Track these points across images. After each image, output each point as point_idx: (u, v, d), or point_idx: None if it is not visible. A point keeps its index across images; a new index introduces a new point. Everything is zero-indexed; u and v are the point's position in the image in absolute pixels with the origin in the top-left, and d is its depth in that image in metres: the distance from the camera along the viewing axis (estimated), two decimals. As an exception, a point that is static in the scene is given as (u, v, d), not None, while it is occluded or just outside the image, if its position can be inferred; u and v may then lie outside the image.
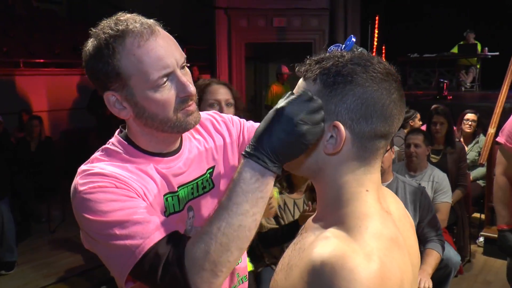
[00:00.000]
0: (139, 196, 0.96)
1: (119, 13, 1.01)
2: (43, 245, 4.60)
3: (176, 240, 0.91)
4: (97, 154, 1.05)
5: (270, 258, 2.64)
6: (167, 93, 0.97)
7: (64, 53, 8.27)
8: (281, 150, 0.79)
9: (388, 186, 2.56)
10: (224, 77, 10.11)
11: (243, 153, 0.84)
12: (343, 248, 0.70)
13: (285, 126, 0.78)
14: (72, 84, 7.62)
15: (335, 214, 0.79)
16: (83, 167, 1.00)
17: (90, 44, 0.99)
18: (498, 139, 2.40)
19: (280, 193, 2.57)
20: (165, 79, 0.96)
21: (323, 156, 0.79)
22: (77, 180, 0.96)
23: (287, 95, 0.81)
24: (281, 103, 0.80)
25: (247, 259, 1.28)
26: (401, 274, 0.72)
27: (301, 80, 0.83)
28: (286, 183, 2.60)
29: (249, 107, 10.64)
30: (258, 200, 0.85)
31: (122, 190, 0.94)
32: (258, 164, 0.81)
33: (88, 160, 1.04)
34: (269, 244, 2.61)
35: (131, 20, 0.97)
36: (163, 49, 0.96)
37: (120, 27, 0.96)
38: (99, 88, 1.01)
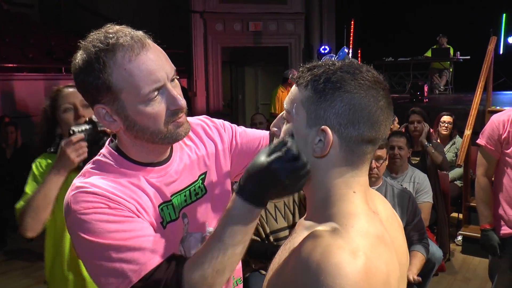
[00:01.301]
0: (132, 212, 0.97)
1: (108, 25, 1.00)
2: (20, 254, 4.47)
3: (173, 266, 0.94)
4: (88, 166, 1.05)
5: (256, 263, 2.64)
6: (158, 107, 0.98)
7: (38, 57, 8.10)
8: (268, 197, 0.88)
9: (378, 190, 2.61)
10: (201, 81, 10.09)
11: (235, 188, 0.91)
12: (329, 245, 0.72)
13: (272, 181, 0.84)
14: (47, 89, 7.45)
15: (323, 215, 0.82)
16: (76, 182, 1.00)
17: (79, 57, 0.98)
18: (478, 141, 2.47)
19: None
20: (156, 93, 0.97)
21: (313, 159, 0.82)
22: (70, 197, 0.97)
23: (275, 144, 0.85)
24: (270, 157, 0.84)
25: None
26: (387, 270, 0.74)
27: (294, 86, 0.86)
28: None
29: (225, 111, 10.64)
30: (249, 229, 0.92)
31: (116, 211, 0.95)
32: (247, 203, 0.88)
33: (81, 172, 1.04)
34: (255, 257, 2.61)
35: (120, 33, 0.96)
36: (154, 63, 0.96)
37: (110, 40, 0.95)
38: (89, 101, 1.01)
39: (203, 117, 1.28)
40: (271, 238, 2.55)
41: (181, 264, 0.94)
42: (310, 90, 0.81)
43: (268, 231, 2.56)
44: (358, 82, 0.79)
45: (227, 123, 1.31)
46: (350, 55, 9.87)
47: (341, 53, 0.98)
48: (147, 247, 0.93)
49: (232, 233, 0.91)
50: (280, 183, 0.83)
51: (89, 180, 0.99)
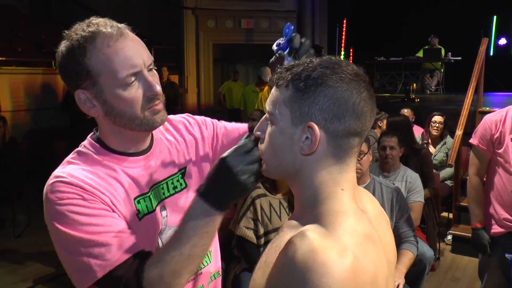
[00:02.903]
0: (106, 205, 1.00)
1: (92, 17, 1.05)
2: (7, 251, 4.40)
3: (135, 263, 0.96)
4: (70, 156, 1.08)
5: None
6: (135, 92, 1.02)
7: (27, 51, 7.99)
8: (223, 197, 0.93)
9: (366, 188, 2.60)
10: (192, 78, 10.05)
11: (197, 189, 0.96)
12: (316, 243, 0.72)
13: (225, 176, 0.90)
14: (36, 83, 7.37)
15: (311, 213, 0.81)
16: (56, 172, 1.03)
17: (63, 45, 1.03)
18: (471, 140, 2.48)
19: (264, 195, 2.56)
20: (133, 78, 1.01)
21: (300, 157, 0.82)
22: (48, 186, 1.00)
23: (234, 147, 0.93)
24: (225, 153, 0.92)
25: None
26: (375, 269, 0.74)
27: (274, 88, 0.85)
28: (270, 184, 2.59)
29: (216, 109, 10.62)
30: (205, 234, 0.96)
31: (89, 202, 0.98)
32: (206, 204, 0.94)
33: (63, 162, 1.07)
34: (247, 260, 2.59)
35: (102, 23, 1.02)
36: (132, 50, 1.01)
37: (91, 29, 1.01)
38: (71, 87, 1.05)
39: (185, 114, 1.31)
40: (272, 236, 2.52)
41: (144, 262, 0.97)
42: (291, 89, 0.81)
43: (270, 228, 2.53)
44: (339, 76, 0.79)
45: (208, 119, 1.33)
46: (342, 53, 9.88)
47: (287, 30, 0.98)
48: (114, 244, 0.96)
49: (190, 234, 0.95)
50: (234, 179, 0.89)
51: (67, 170, 1.02)
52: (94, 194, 0.99)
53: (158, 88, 1.04)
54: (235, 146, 0.91)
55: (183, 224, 0.96)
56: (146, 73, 1.03)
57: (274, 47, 1.00)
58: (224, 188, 0.92)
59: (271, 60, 0.98)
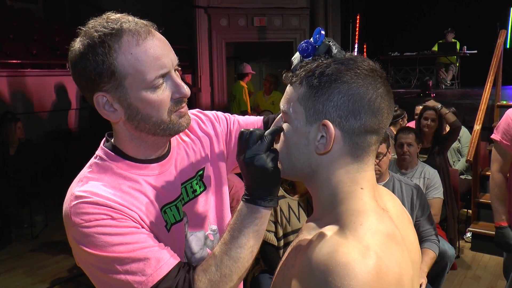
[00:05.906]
0: (136, 222, 0.95)
1: (108, 13, 0.97)
2: (26, 252, 4.45)
3: (182, 272, 0.93)
4: (86, 171, 1.00)
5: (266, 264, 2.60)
6: (162, 94, 0.95)
7: (42, 53, 8.07)
8: (257, 191, 0.90)
9: (385, 185, 2.56)
10: (205, 77, 10.05)
11: (241, 197, 0.93)
12: (337, 244, 0.69)
13: (246, 171, 0.89)
14: (51, 85, 7.43)
15: (331, 214, 0.79)
16: (76, 191, 0.94)
17: (79, 42, 0.93)
18: (493, 136, 2.41)
19: (283, 196, 2.53)
20: (161, 80, 0.94)
21: (316, 157, 0.80)
22: (71, 208, 0.92)
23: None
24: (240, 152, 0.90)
25: None
26: (400, 269, 0.70)
27: (288, 86, 0.84)
28: (288, 185, 2.56)
29: (230, 107, 10.61)
30: (255, 233, 0.92)
31: (119, 221, 0.92)
32: (249, 202, 0.91)
33: (79, 178, 0.99)
34: (266, 261, 2.56)
35: (124, 19, 0.94)
36: (160, 49, 0.94)
37: (114, 25, 0.92)
38: (88, 90, 0.96)
39: (195, 111, 1.25)
40: (291, 238, 2.49)
41: (191, 270, 0.93)
42: (305, 86, 0.79)
43: (289, 230, 2.50)
44: (354, 72, 0.77)
45: (220, 113, 1.28)
46: (356, 50, 9.80)
47: (317, 36, 0.88)
48: (152, 258, 0.91)
49: (236, 235, 0.91)
50: (252, 168, 0.87)
51: (89, 188, 0.94)
52: (122, 211, 0.93)
53: (187, 89, 0.98)
54: (240, 143, 0.91)
55: (230, 226, 0.93)
56: (174, 74, 0.97)
57: (297, 55, 0.91)
58: (252, 182, 0.89)
59: (293, 66, 0.90)
